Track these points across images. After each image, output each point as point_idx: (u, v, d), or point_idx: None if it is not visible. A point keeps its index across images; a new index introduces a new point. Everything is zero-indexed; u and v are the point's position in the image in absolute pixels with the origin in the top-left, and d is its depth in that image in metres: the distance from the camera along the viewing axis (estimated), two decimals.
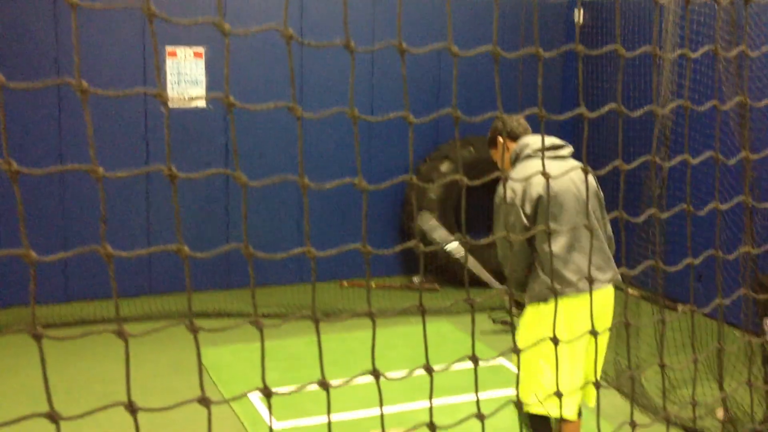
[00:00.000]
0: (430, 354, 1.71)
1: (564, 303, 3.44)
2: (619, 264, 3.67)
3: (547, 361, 3.48)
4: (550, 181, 1.89)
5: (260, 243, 6.91)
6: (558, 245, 3.50)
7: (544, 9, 8.00)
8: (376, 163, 7.49)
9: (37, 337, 1.23)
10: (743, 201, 2.43)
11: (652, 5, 6.71)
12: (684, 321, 5.62)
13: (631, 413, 2.06)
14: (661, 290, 5.02)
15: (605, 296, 3.59)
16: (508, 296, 2.10)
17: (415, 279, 7.70)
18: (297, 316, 1.63)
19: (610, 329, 3.62)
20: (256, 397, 4.96)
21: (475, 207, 5.57)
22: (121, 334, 1.33)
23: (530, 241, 3.52)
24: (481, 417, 1.73)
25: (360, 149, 1.67)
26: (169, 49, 6.89)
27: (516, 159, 3.68)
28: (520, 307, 3.74)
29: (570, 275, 3.48)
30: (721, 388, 4.78)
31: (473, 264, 4.20)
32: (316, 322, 1.55)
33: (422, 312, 1.68)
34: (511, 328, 3.65)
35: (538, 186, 3.47)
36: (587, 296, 3.29)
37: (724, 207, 2.19)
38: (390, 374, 1.66)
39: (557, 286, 3.39)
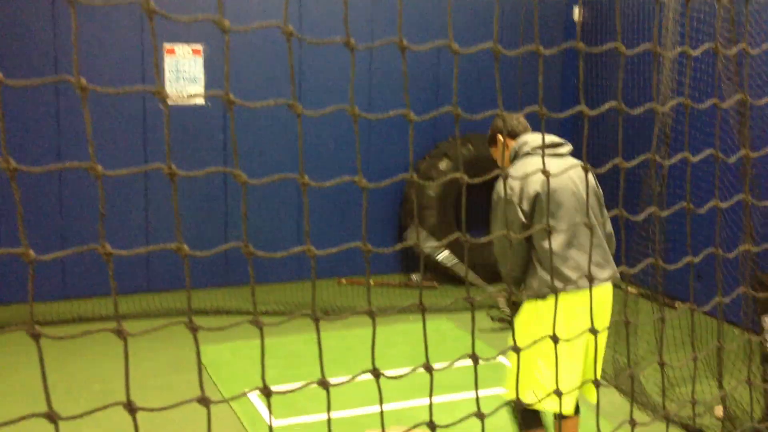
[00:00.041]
0: (430, 352, 1.70)
1: (562, 300, 3.43)
2: (618, 262, 3.67)
3: (544, 358, 3.47)
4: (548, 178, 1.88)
5: (260, 241, 6.91)
6: (556, 242, 3.50)
7: (543, 7, 7.99)
8: (376, 161, 7.48)
9: (36, 337, 1.22)
10: (743, 199, 2.42)
11: (652, 3, 6.70)
12: (683, 319, 5.63)
13: (631, 411, 2.06)
14: (660, 288, 5.02)
15: (603, 293, 3.59)
16: (506, 295, 2.10)
17: (414, 276, 7.69)
18: (297, 315, 1.63)
19: (609, 327, 3.63)
20: (254, 395, 4.95)
21: (475, 205, 5.56)
22: (121, 333, 1.33)
23: (528, 238, 3.52)
24: (480, 416, 1.72)
25: (359, 147, 1.66)
26: (167, 46, 6.88)
27: (515, 156, 3.68)
28: (516, 306, 3.73)
29: (569, 272, 3.48)
30: (720, 386, 4.78)
31: (464, 270, 4.19)
32: (316, 320, 1.55)
33: (422, 310, 1.68)
34: (510, 325, 3.65)
35: (535, 183, 3.47)
36: (586, 293, 3.29)
37: (724, 205, 2.19)
38: (390, 372, 1.65)
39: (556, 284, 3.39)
